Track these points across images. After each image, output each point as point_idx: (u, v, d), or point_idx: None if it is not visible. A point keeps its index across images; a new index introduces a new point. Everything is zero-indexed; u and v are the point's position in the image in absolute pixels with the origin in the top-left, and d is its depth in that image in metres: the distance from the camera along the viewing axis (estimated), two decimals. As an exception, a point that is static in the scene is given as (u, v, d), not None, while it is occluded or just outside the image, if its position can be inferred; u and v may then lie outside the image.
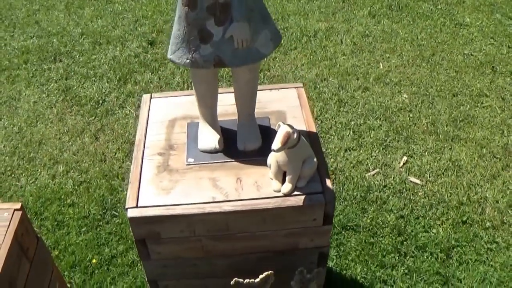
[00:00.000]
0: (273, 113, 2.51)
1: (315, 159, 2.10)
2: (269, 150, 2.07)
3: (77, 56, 4.85)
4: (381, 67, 4.47)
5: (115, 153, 3.81)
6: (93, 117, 4.13)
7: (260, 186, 2.13)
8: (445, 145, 3.79)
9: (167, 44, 4.81)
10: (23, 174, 3.68)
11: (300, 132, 2.02)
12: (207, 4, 2.25)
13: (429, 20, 5.25)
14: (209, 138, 2.39)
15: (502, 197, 3.42)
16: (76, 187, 3.56)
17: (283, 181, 2.11)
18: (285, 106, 2.56)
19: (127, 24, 5.34)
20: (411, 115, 4.01)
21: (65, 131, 4.02)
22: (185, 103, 2.60)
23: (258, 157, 2.26)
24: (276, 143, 1.93)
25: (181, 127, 2.45)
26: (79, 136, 3.97)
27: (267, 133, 2.37)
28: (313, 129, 2.40)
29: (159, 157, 2.30)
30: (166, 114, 2.55)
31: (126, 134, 3.95)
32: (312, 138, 2.32)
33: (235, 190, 2.11)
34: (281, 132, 1.94)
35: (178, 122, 2.49)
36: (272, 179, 2.15)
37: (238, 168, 2.22)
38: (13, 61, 4.84)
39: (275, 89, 2.68)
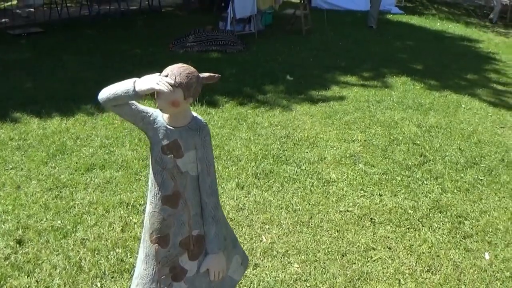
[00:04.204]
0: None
1: None
2: None
3: None
4: (264, 240, 4.55)
5: None
6: None
7: None
8: (350, 310, 3.84)
9: (37, 242, 4.54)
10: None
11: None
12: (180, 239, 2.24)
13: (297, 183, 5.54)
14: None
15: None
16: None
17: None
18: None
19: (-13, 221, 4.95)
20: (307, 284, 4.06)
21: None
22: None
23: None
24: None
25: None
26: None
27: None
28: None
29: None
30: None
31: None
32: None
33: None
34: None
35: None
36: None
37: None
38: None
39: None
